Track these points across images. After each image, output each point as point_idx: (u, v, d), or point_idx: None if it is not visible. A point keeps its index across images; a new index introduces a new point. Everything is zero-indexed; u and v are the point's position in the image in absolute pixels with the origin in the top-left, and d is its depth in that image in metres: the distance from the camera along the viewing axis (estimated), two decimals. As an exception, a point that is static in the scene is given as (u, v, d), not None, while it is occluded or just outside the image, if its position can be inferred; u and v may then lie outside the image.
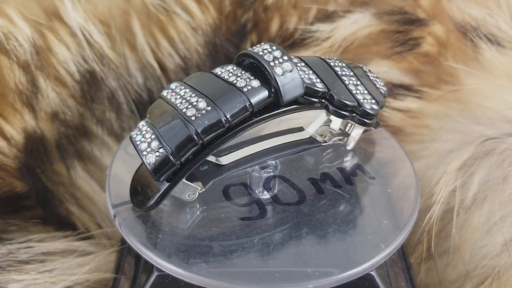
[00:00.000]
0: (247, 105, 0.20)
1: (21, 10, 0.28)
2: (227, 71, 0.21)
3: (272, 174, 0.23)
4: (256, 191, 0.23)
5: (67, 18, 0.29)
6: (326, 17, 0.32)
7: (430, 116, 0.28)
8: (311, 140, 0.25)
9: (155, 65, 0.32)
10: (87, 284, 0.25)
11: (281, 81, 0.20)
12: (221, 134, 0.20)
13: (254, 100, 0.20)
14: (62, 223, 0.29)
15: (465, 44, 0.29)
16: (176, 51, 0.32)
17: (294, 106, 0.21)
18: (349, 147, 0.25)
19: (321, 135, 0.25)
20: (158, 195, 0.21)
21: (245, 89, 0.20)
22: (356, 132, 0.25)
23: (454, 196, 0.26)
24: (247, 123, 0.20)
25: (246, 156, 0.24)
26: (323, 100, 0.21)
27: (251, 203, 0.23)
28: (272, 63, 0.20)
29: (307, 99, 0.21)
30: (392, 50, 0.30)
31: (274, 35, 0.33)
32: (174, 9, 0.31)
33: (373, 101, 0.23)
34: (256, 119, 0.20)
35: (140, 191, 0.22)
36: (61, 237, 0.27)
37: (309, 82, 0.21)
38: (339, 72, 0.23)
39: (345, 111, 0.22)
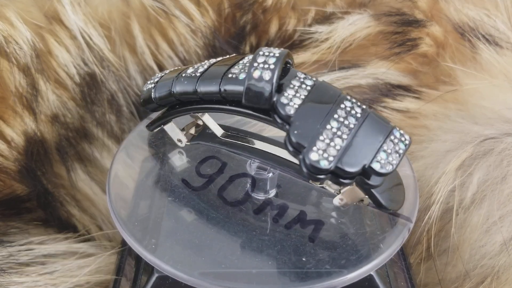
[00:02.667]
0: (221, 89, 0.21)
1: (21, 13, 0.28)
2: (244, 58, 0.22)
3: (254, 174, 0.24)
4: (225, 170, 0.24)
5: (67, 21, 0.29)
6: (325, 18, 0.32)
7: (428, 116, 0.28)
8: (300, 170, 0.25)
9: (155, 68, 0.32)
10: (87, 286, 0.25)
11: (249, 83, 0.20)
12: (195, 101, 0.23)
13: (227, 88, 0.21)
14: (63, 225, 0.29)
15: (463, 45, 0.29)
16: (175, 53, 0.32)
17: (260, 115, 0.21)
18: (334, 201, 0.22)
19: None
20: (151, 121, 0.26)
21: (229, 75, 0.21)
22: (348, 194, 0.22)
23: (453, 196, 0.26)
24: (217, 106, 0.22)
25: (241, 144, 0.24)
26: (285, 124, 0.20)
27: (207, 176, 0.24)
28: (256, 64, 0.20)
29: (274, 116, 0.20)
30: (390, 51, 0.30)
31: (273, 37, 0.33)
32: (173, 11, 0.31)
33: (331, 158, 0.19)
34: (226, 107, 0.22)
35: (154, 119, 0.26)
36: (62, 239, 0.27)
37: (285, 102, 0.20)
38: (337, 115, 0.20)
39: (295, 149, 0.19)
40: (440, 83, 0.29)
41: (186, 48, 0.32)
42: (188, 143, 0.26)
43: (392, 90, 0.30)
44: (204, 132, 0.26)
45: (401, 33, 0.30)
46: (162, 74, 0.24)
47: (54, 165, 0.30)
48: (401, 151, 0.20)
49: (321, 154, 0.19)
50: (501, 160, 0.25)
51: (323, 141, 0.19)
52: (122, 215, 0.22)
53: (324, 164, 0.19)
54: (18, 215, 0.28)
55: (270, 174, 0.23)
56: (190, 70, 0.23)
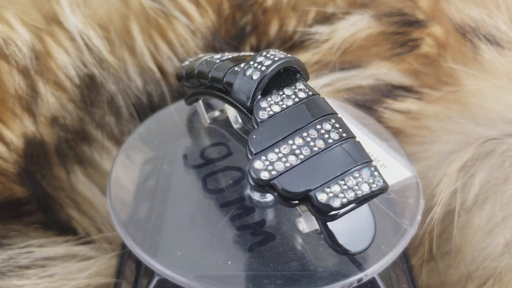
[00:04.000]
0: (223, 79, 0.21)
1: (20, 15, 0.28)
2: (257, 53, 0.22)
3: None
4: (226, 160, 0.25)
5: (66, 22, 0.29)
6: (325, 19, 0.32)
7: (430, 117, 0.28)
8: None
9: (155, 69, 0.32)
10: (88, 289, 0.25)
11: (239, 79, 0.20)
12: (210, 86, 0.23)
13: (227, 79, 0.21)
14: (63, 228, 0.29)
15: (465, 45, 0.29)
16: (175, 54, 0.32)
17: (247, 113, 0.21)
18: (296, 222, 0.21)
19: None
20: (187, 95, 0.27)
21: (236, 68, 0.21)
22: (306, 218, 0.20)
23: (455, 197, 0.25)
24: (222, 94, 0.23)
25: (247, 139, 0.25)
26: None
27: (206, 159, 0.25)
28: (252, 62, 0.20)
29: (252, 117, 0.20)
30: (391, 52, 0.30)
31: (273, 37, 0.33)
32: (173, 12, 0.31)
33: (274, 173, 0.18)
34: (226, 97, 0.22)
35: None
36: (62, 242, 0.27)
37: (264, 106, 0.20)
38: (306, 134, 0.19)
39: (250, 153, 0.19)
40: (441, 84, 0.29)
41: (186, 49, 0.32)
42: (209, 125, 0.26)
43: (393, 91, 0.30)
44: (227, 118, 0.26)
45: (402, 33, 0.30)
46: (204, 55, 0.25)
47: (53, 167, 0.29)
48: (359, 193, 0.18)
49: (267, 165, 0.18)
50: (503, 161, 0.25)
51: (276, 153, 0.19)
52: (122, 218, 0.22)
53: (263, 175, 0.18)
54: (17, 218, 0.28)
55: None
56: (216, 56, 0.23)
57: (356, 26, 0.31)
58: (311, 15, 0.33)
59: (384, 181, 0.19)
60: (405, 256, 0.24)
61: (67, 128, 0.29)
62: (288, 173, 0.18)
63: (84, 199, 0.30)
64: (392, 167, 0.25)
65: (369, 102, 0.30)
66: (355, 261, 0.20)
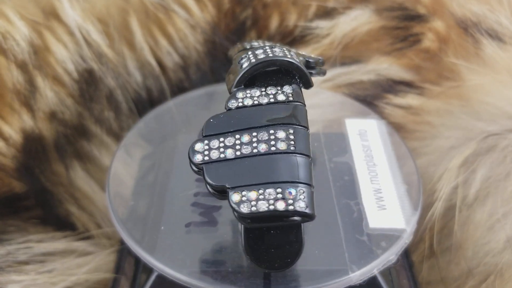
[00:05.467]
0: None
1: (18, 9, 0.28)
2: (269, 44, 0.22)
3: None
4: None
5: (64, 17, 0.29)
6: (326, 14, 0.32)
7: (431, 112, 0.28)
8: None
9: (154, 64, 0.32)
10: (87, 285, 0.25)
11: (233, 65, 0.21)
12: None
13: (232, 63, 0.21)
14: (62, 223, 0.29)
15: (466, 40, 0.29)
16: (175, 49, 0.32)
17: None
18: None
19: None
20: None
21: (244, 53, 0.21)
22: None
23: (456, 193, 0.25)
24: None
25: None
26: None
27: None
28: (249, 52, 0.20)
29: None
30: (392, 47, 0.30)
31: (273, 32, 0.33)
32: (172, 7, 0.31)
33: (207, 158, 0.18)
34: None
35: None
36: (61, 238, 0.27)
37: (238, 96, 0.20)
38: (256, 134, 0.19)
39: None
40: (443, 79, 0.29)
41: (186, 44, 0.32)
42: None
43: (394, 86, 0.29)
44: None
45: (403, 28, 0.30)
46: (254, 41, 0.25)
47: (52, 162, 0.29)
48: (272, 208, 0.17)
49: (204, 150, 0.18)
50: (505, 157, 0.25)
51: (219, 142, 0.18)
52: (121, 213, 0.22)
53: (197, 158, 0.18)
54: (16, 213, 0.28)
55: None
56: (254, 43, 0.23)
57: (357, 20, 0.31)
58: (312, 9, 0.33)
59: (307, 207, 0.17)
60: (405, 252, 0.24)
61: (66, 123, 0.29)
62: (218, 164, 0.18)
63: (83, 194, 0.30)
64: (390, 211, 0.22)
65: (369, 97, 0.30)
66: (268, 277, 0.20)
